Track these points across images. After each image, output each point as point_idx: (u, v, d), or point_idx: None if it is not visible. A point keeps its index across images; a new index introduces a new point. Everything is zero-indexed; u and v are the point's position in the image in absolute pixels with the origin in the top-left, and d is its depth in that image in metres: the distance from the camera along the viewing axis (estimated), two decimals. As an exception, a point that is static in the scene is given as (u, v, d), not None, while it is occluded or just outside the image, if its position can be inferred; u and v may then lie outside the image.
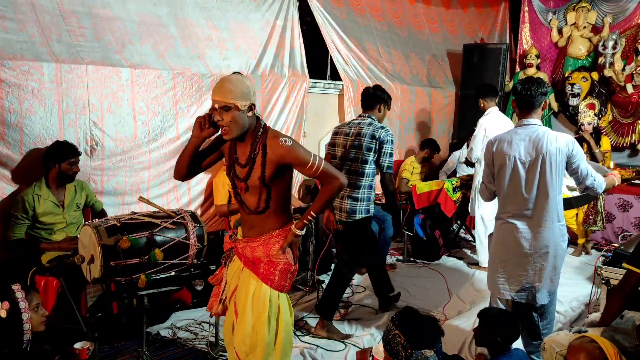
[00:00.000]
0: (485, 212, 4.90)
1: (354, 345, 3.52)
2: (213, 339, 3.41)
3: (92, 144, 3.81)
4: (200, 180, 4.58)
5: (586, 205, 5.15)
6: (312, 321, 3.81)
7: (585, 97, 7.01)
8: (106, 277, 2.86)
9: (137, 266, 2.89)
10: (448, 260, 5.42)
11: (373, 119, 3.70)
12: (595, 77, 7.02)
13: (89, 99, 3.75)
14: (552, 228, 2.88)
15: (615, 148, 6.93)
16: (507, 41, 8.15)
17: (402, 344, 2.09)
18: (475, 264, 5.21)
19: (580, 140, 5.69)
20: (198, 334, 3.62)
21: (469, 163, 5.44)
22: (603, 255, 3.31)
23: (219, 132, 2.29)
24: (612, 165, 5.26)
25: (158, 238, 2.97)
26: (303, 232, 2.41)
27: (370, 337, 3.64)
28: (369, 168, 3.60)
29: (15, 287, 2.30)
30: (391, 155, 3.62)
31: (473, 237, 5.93)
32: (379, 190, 5.43)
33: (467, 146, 5.96)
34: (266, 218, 2.38)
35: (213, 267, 3.15)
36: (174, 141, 4.29)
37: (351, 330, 3.77)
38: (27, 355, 2.30)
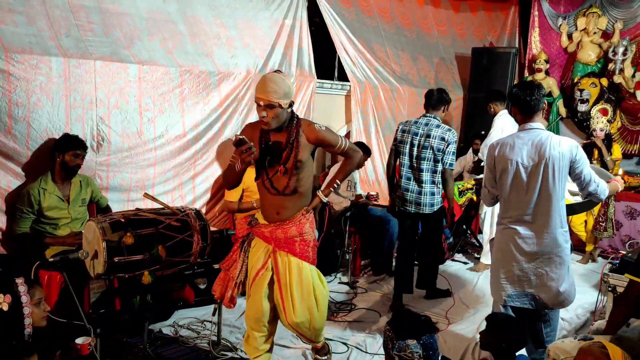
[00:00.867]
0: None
1: (356, 347, 3.51)
2: (215, 338, 3.40)
3: (99, 140, 3.82)
4: (206, 179, 4.56)
5: (596, 212, 5.07)
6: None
7: (596, 103, 6.90)
8: (109, 272, 2.86)
9: (141, 262, 2.89)
10: (452, 265, 5.39)
11: (439, 120, 4.06)
12: (604, 83, 6.94)
13: (96, 94, 3.75)
14: (555, 234, 2.83)
15: (624, 155, 6.83)
16: (517, 45, 8.10)
17: (390, 337, 2.27)
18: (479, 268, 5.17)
19: (592, 146, 5.62)
20: (200, 332, 3.61)
21: (477, 171, 5.41)
22: (610, 263, 3.28)
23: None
24: (620, 173, 5.20)
25: (162, 235, 2.96)
26: (327, 200, 2.83)
27: (373, 339, 3.62)
28: (439, 166, 4.04)
29: (19, 280, 2.31)
30: (454, 154, 4.07)
31: (478, 241, 5.89)
32: (374, 190, 5.46)
33: (473, 152, 5.92)
34: (297, 199, 2.70)
35: (216, 266, 3.14)
36: (180, 138, 4.28)
37: (353, 332, 3.75)
38: (28, 350, 2.30)
